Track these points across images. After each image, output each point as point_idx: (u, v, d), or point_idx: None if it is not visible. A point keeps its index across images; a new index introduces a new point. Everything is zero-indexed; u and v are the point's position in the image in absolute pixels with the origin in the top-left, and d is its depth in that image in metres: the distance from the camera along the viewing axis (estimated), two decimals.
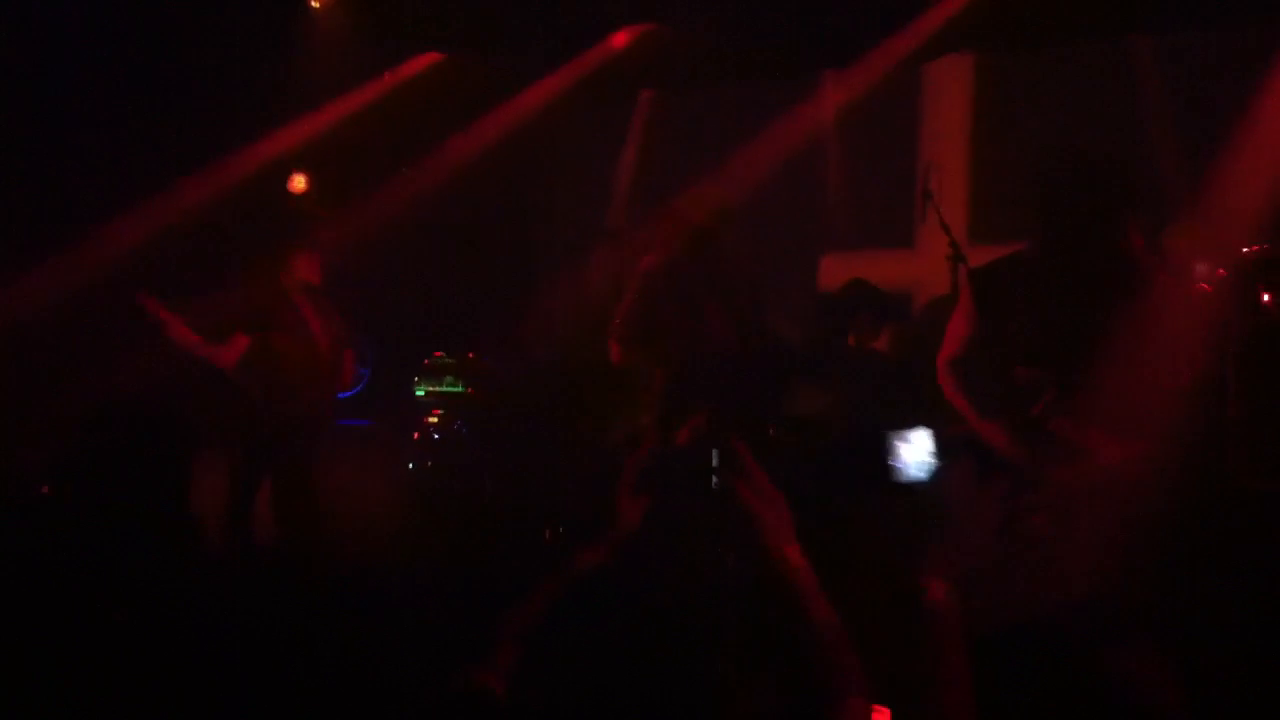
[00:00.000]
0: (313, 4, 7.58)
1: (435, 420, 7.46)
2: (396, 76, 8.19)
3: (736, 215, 5.63)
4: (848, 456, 6.38)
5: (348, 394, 7.08)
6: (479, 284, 8.26)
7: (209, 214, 7.35)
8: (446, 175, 8.23)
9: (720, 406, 5.37)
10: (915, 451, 4.91)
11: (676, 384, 5.50)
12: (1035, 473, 4.61)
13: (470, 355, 7.65)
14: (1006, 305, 4.69)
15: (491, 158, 8.40)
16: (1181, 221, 6.79)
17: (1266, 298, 6.01)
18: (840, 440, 6.56)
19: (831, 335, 7.15)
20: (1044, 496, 4.52)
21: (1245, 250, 5.91)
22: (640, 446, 4.15)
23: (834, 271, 8.09)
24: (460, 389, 7.56)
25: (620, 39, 8.45)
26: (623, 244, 8.74)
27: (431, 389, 7.53)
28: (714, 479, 3.41)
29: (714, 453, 3.49)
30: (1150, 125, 7.30)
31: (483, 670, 2.09)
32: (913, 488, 3.71)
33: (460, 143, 8.30)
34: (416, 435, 7.44)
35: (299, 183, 7.96)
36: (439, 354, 7.60)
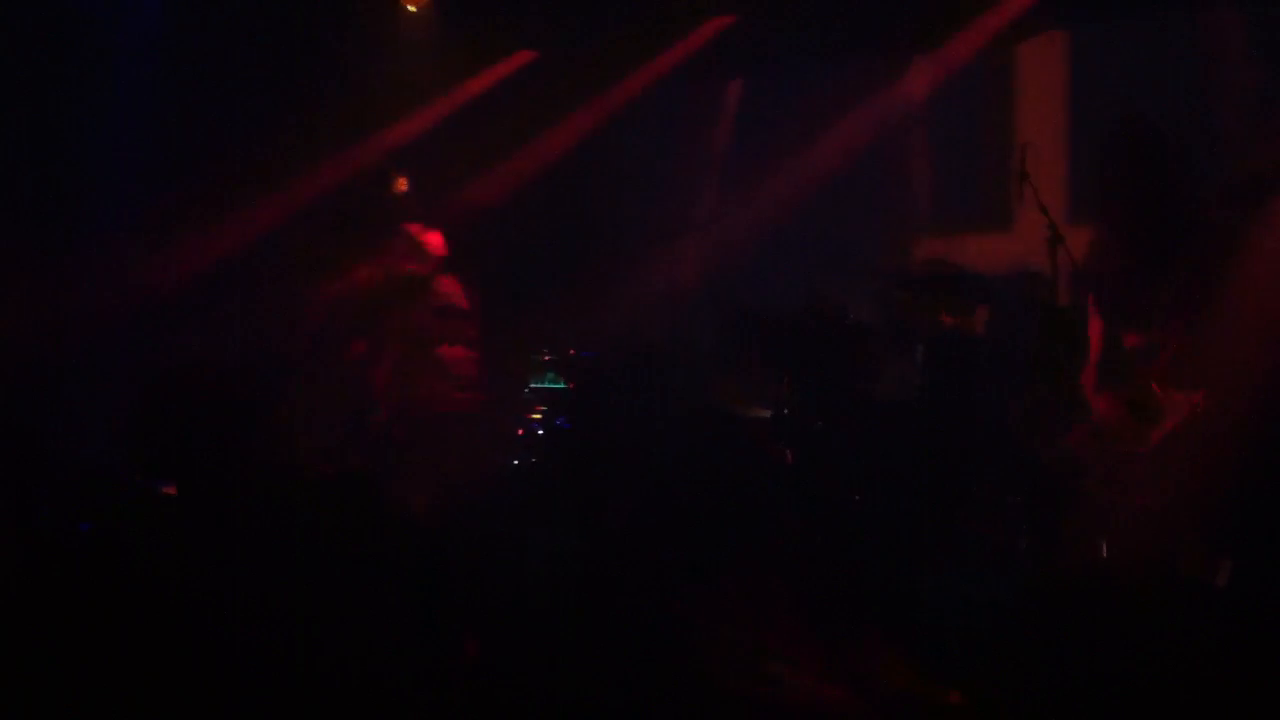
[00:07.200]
0: (408, 7, 7.64)
1: (538, 417, 7.57)
2: (491, 75, 8.24)
3: None
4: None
5: None
6: (576, 280, 8.31)
7: (312, 215, 7.46)
8: (540, 172, 8.28)
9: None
10: None
11: None
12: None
13: (571, 351, 7.74)
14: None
15: (584, 152, 8.45)
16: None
17: None
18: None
19: (919, 315, 7.09)
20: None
21: None
22: None
23: (930, 255, 8.05)
24: (561, 385, 7.66)
25: (708, 29, 8.45)
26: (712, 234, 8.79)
27: (535, 386, 7.66)
28: None
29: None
30: (1240, 96, 7.20)
31: None
32: None
33: (553, 138, 8.34)
34: (521, 431, 7.56)
35: (399, 184, 8.03)
36: (544, 354, 7.72)
